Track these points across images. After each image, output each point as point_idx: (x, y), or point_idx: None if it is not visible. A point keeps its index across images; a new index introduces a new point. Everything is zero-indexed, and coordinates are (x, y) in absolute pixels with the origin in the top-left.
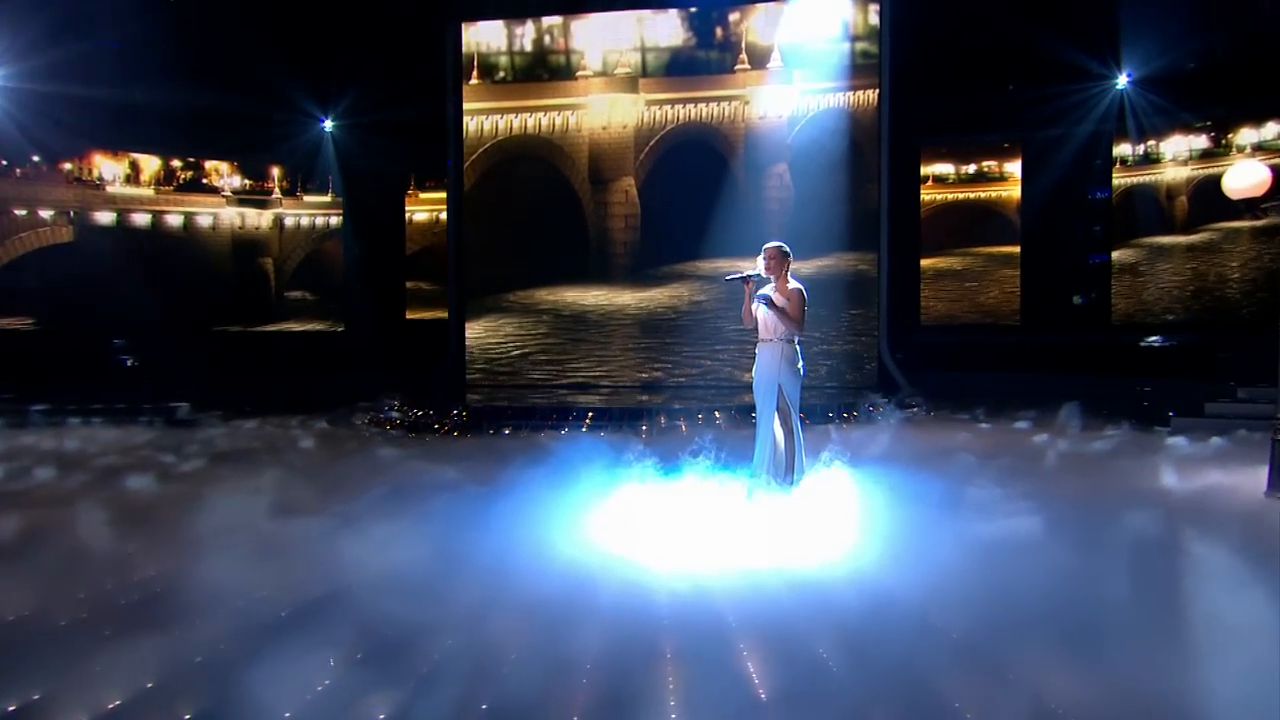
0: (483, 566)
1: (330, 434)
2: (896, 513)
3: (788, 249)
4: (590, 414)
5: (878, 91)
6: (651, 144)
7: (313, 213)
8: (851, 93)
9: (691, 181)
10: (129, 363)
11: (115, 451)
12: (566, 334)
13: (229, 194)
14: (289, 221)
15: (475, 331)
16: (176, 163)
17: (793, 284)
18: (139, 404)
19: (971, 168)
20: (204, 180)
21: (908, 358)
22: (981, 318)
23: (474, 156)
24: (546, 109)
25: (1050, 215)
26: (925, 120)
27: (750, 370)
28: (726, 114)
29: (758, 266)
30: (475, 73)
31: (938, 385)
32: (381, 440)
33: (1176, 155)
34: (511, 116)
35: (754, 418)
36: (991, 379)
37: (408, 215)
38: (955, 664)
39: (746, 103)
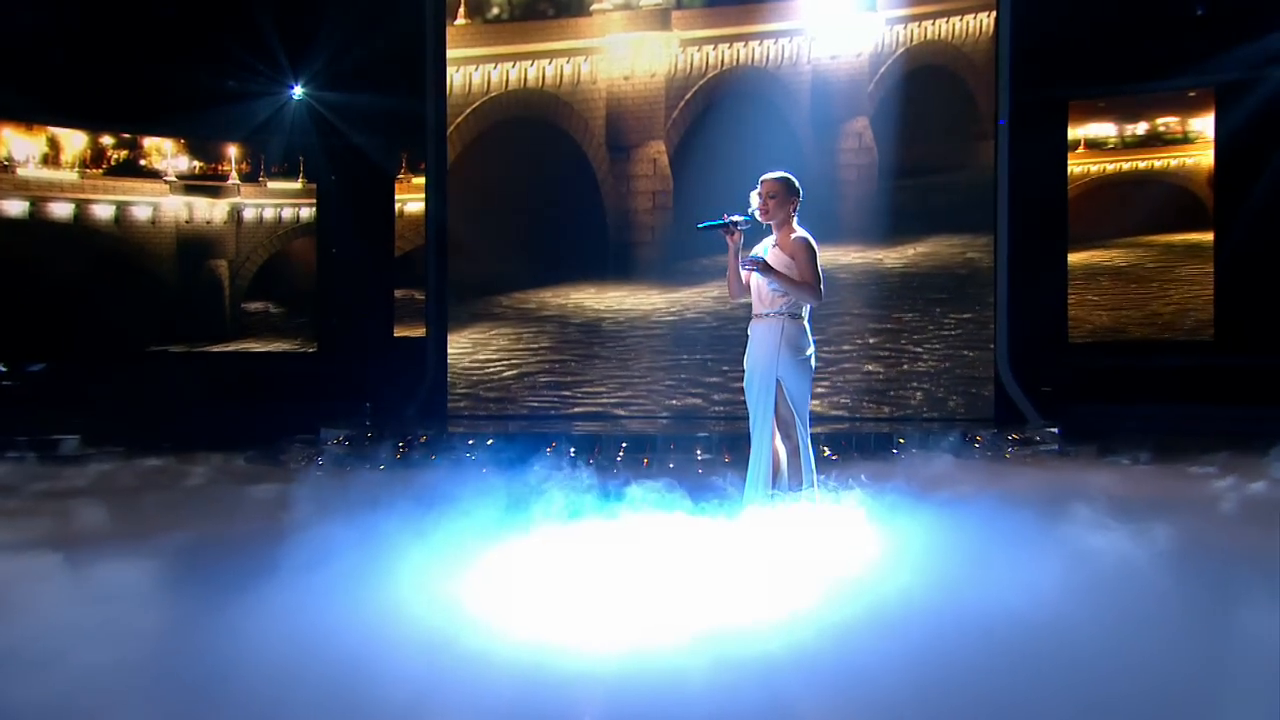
0: (214, 638)
1: (239, 471)
2: (939, 559)
3: (796, 183)
4: (573, 449)
5: (994, 15)
6: (688, 97)
7: (278, 202)
8: (959, 18)
9: (740, 145)
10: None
11: None
12: (576, 348)
13: (173, 179)
14: (248, 214)
15: (461, 346)
16: (107, 140)
17: (798, 233)
18: (14, 436)
19: (1140, 127)
20: (142, 162)
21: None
22: (1156, 332)
23: (460, 119)
24: (553, 55)
25: (1257, 190)
26: (1070, 59)
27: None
28: (787, 55)
29: (751, 208)
30: (462, 10)
31: (1089, 420)
32: (294, 478)
33: None
34: (508, 66)
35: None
36: (1168, 413)
37: (398, 206)
38: None
39: (814, 39)
